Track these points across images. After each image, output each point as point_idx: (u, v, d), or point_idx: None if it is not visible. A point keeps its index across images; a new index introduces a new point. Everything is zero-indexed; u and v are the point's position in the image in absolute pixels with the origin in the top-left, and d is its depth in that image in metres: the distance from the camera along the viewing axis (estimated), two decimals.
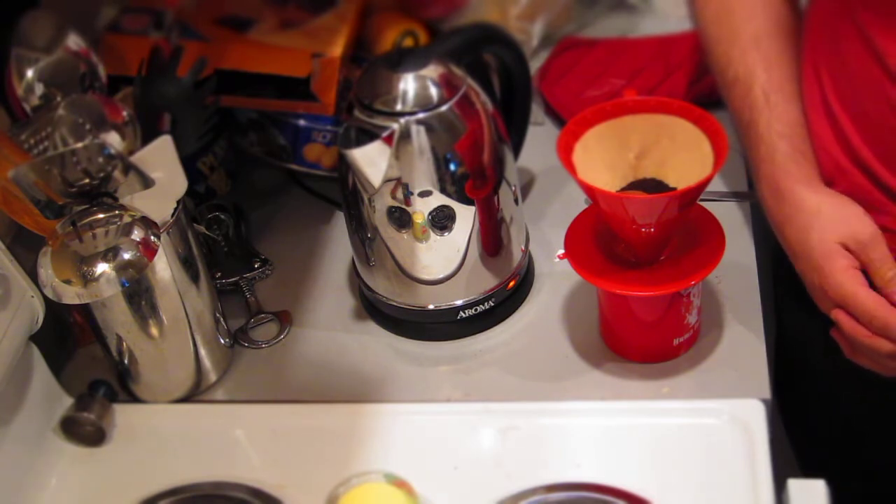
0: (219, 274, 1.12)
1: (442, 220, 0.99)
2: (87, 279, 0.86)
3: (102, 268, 0.86)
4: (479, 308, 1.05)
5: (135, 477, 0.97)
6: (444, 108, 0.96)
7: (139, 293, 0.96)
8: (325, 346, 1.07)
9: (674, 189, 0.95)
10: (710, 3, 1.08)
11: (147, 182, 0.89)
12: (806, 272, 0.95)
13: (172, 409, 1.03)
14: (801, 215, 0.95)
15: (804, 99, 1.02)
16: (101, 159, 0.87)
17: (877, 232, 0.93)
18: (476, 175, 0.99)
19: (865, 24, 0.95)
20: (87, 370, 1.06)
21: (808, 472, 0.90)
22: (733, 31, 1.04)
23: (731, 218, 1.11)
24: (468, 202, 0.99)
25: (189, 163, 1.03)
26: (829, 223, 0.94)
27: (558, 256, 0.98)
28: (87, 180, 0.88)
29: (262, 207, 1.22)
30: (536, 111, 1.26)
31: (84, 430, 1.00)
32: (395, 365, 1.05)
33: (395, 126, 0.95)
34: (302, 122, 1.17)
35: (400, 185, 0.97)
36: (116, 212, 0.89)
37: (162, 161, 0.90)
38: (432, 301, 1.04)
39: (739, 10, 1.05)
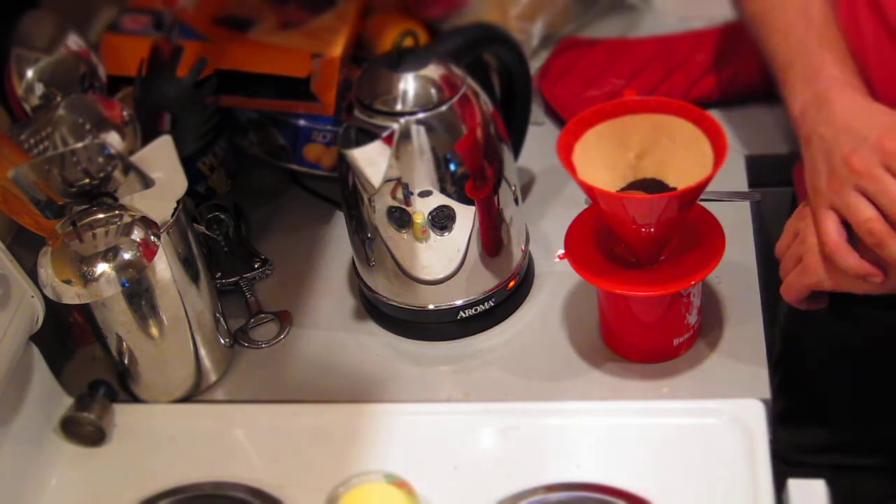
0: (219, 274, 1.12)
1: (442, 220, 0.99)
2: (87, 279, 0.86)
3: (102, 268, 0.86)
4: (479, 308, 1.05)
5: (135, 477, 0.97)
6: (444, 108, 0.96)
7: (139, 293, 0.96)
8: (325, 346, 1.07)
9: (674, 189, 0.95)
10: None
11: (147, 182, 0.89)
12: (840, 145, 0.91)
13: (172, 409, 1.03)
14: (852, 104, 0.92)
15: None
16: (101, 159, 0.87)
17: None
18: (476, 175, 0.99)
19: None
20: (87, 370, 1.06)
21: (807, 473, 0.90)
22: None
23: (731, 218, 1.10)
24: (468, 202, 0.99)
25: (189, 163, 1.03)
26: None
27: (558, 256, 0.98)
28: (87, 180, 0.88)
29: (262, 207, 1.22)
30: (536, 111, 1.26)
31: (84, 430, 1.00)
32: (395, 365, 1.05)
33: (395, 126, 0.95)
34: (302, 122, 1.17)
35: (400, 185, 0.97)
36: (116, 212, 0.89)
37: (162, 161, 0.90)
38: (432, 301, 1.04)
39: None
